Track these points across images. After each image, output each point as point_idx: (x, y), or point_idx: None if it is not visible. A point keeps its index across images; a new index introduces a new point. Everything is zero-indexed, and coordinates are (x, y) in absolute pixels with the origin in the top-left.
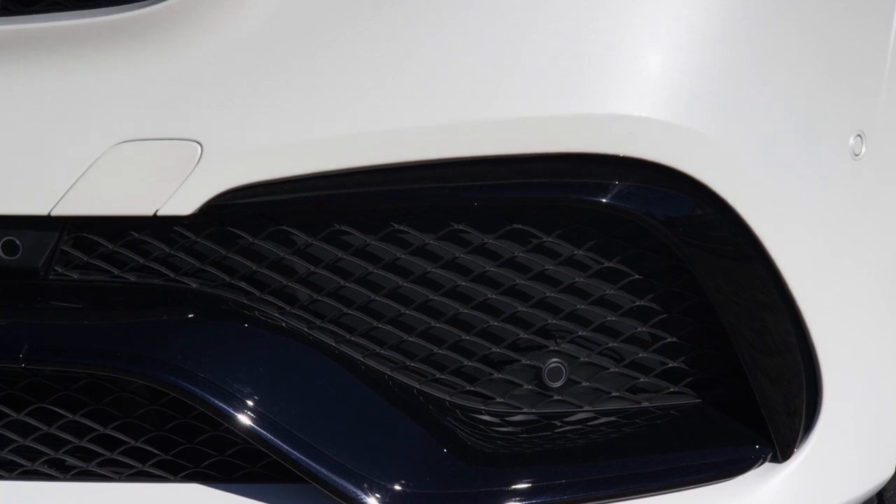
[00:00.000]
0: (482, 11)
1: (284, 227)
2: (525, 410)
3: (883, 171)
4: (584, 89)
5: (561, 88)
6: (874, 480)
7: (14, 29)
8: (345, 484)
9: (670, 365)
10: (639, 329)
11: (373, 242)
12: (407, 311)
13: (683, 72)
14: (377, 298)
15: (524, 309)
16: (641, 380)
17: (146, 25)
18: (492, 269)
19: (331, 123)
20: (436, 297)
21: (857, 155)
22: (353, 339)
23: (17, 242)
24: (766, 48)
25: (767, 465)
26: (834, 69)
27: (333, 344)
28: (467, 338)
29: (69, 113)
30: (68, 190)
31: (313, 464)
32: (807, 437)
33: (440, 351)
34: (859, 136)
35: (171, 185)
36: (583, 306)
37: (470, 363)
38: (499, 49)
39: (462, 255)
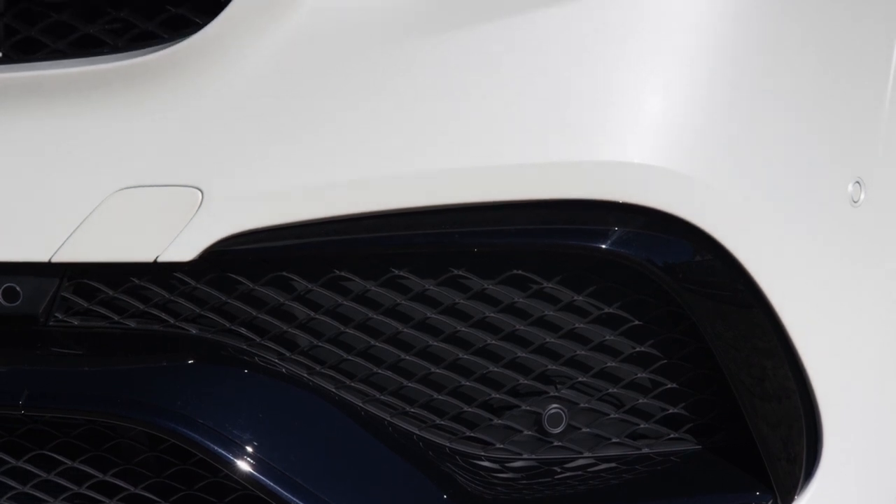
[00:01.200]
0: (482, 60)
1: (284, 273)
2: (525, 456)
3: (882, 218)
4: (582, 136)
5: (560, 135)
6: None
7: (16, 76)
8: None
9: (670, 411)
10: (639, 375)
11: (373, 288)
12: (407, 357)
13: (682, 118)
14: (377, 344)
15: (524, 354)
16: (641, 426)
17: (147, 73)
18: (492, 314)
19: (331, 169)
20: (436, 343)
21: (856, 201)
22: (353, 384)
23: (18, 289)
24: (765, 95)
25: None
26: (832, 116)
27: (333, 389)
28: (467, 383)
29: (70, 159)
30: (69, 236)
31: None
32: (807, 483)
33: (440, 396)
34: (858, 182)
35: (171, 231)
36: (583, 352)
37: (470, 409)
38: (498, 96)
39: (462, 301)
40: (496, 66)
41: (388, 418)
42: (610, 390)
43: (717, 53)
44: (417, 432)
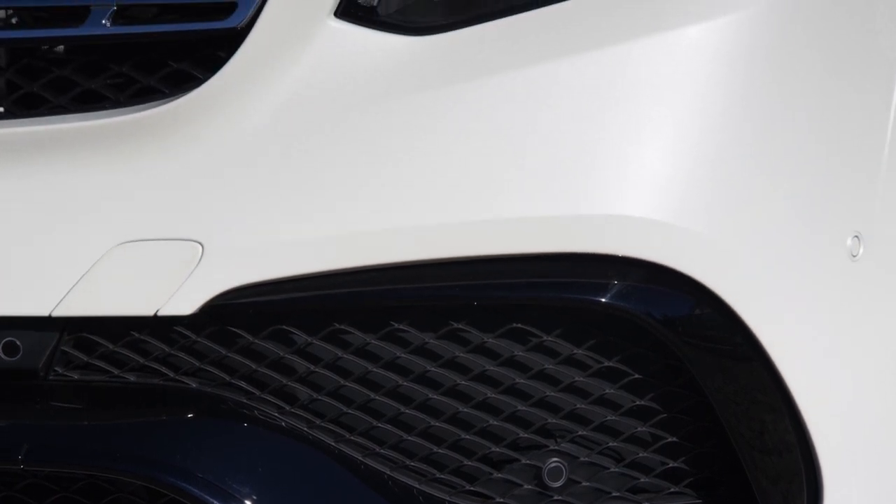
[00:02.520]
0: (480, 115)
1: (284, 327)
2: None
3: (881, 272)
4: (581, 190)
5: (559, 189)
6: None
7: (17, 132)
8: None
9: (671, 465)
10: (639, 428)
11: (372, 341)
12: (406, 410)
13: (681, 173)
14: (377, 397)
15: (524, 408)
16: (642, 480)
17: (148, 127)
18: (491, 367)
19: (329, 223)
20: (435, 396)
21: (855, 256)
22: (352, 437)
23: (18, 343)
24: (763, 150)
25: None
26: (831, 171)
27: (333, 443)
28: (467, 437)
29: (71, 213)
30: (69, 290)
31: None
32: None
33: (440, 450)
34: (857, 237)
35: (171, 284)
36: (583, 405)
37: (470, 462)
38: (498, 151)
39: (462, 354)
40: (494, 121)
41: (388, 472)
42: (610, 444)
43: (715, 110)
44: (417, 486)
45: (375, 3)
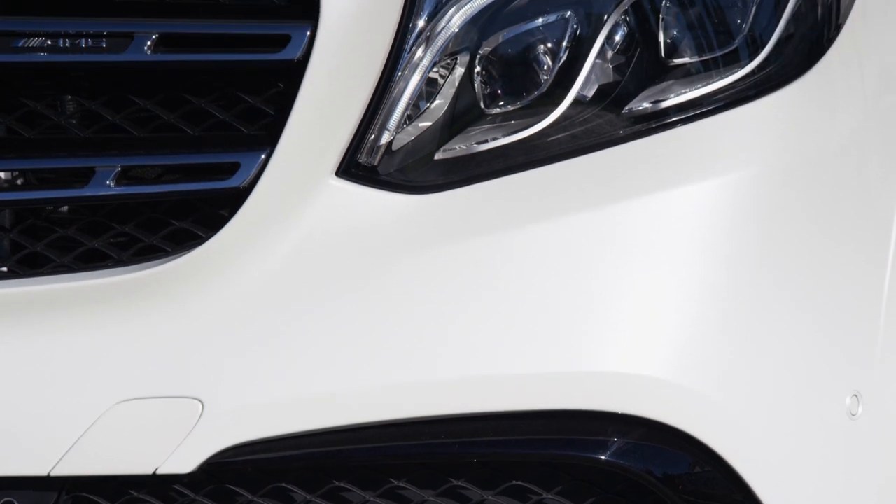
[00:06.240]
0: (479, 271)
1: (283, 484)
2: None
3: (880, 431)
4: (579, 347)
5: (557, 347)
6: None
7: (20, 291)
8: None
9: None
10: None
11: (372, 499)
12: None
13: (679, 331)
14: None
15: None
16: None
17: (149, 286)
18: None
19: (330, 381)
20: None
21: (854, 414)
22: None
23: (16, 503)
24: (761, 308)
25: None
26: (829, 331)
27: None
28: None
29: (71, 372)
30: (68, 450)
31: None
32: None
33: None
34: (856, 395)
35: (171, 443)
36: None
37: None
38: (495, 308)
39: None
40: (491, 278)
41: None
42: None
43: (714, 269)
44: None
45: (376, 163)
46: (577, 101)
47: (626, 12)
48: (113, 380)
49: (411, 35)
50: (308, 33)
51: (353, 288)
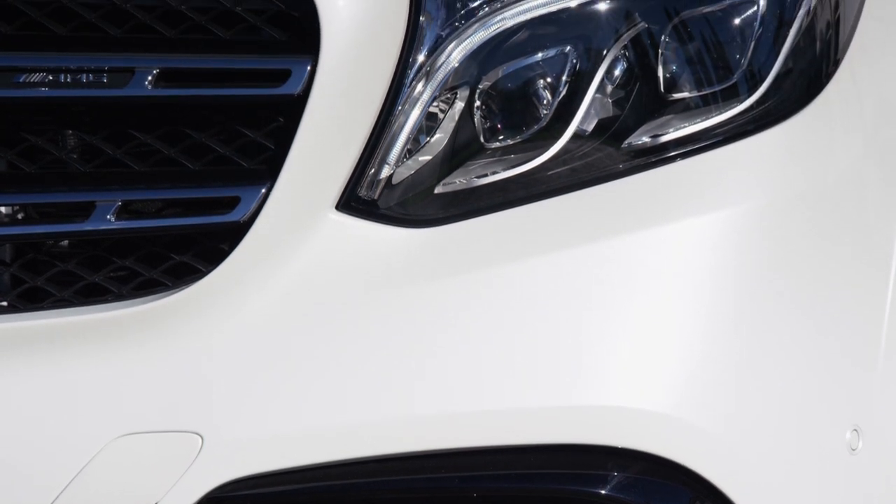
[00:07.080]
0: (480, 305)
1: None
2: None
3: (880, 465)
4: (581, 382)
5: (561, 381)
6: None
7: (20, 326)
8: None
9: None
10: None
11: None
12: None
13: (680, 365)
14: None
15: None
16: None
17: (149, 320)
18: None
19: (329, 415)
20: None
21: (854, 449)
22: None
23: None
24: (763, 345)
25: None
26: (829, 365)
27: None
28: None
29: (70, 406)
30: (67, 485)
31: None
32: None
33: None
34: (856, 430)
35: (170, 477)
36: None
37: None
38: (496, 341)
39: None
40: (492, 312)
41: None
42: None
43: (713, 303)
44: None
45: (376, 197)
46: (577, 136)
47: (625, 47)
48: (112, 414)
49: (411, 69)
50: (308, 68)
51: (354, 321)
